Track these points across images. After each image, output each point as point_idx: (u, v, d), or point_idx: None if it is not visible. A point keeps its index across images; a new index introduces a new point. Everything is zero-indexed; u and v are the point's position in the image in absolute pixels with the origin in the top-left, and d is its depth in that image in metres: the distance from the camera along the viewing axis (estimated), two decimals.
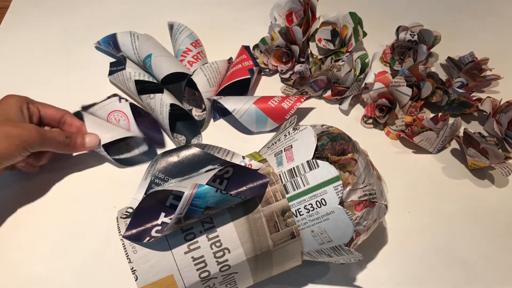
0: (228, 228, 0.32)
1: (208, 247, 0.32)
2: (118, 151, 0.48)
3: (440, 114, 0.49)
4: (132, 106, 0.49)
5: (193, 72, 0.52)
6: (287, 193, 0.33)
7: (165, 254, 0.31)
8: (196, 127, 0.51)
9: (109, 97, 0.49)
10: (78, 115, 0.47)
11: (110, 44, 0.56)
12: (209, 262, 0.32)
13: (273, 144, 0.38)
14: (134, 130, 0.48)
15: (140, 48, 0.53)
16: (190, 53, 0.54)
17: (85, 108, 0.49)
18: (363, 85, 0.52)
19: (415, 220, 0.45)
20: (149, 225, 0.32)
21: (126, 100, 0.48)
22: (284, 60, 0.57)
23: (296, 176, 0.33)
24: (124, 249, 0.31)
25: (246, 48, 0.57)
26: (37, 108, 0.44)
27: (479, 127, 0.53)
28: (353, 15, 0.56)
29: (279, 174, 0.34)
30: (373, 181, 0.35)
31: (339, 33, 0.56)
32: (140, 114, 0.50)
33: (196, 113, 0.52)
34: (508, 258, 0.42)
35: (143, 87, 0.51)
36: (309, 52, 0.57)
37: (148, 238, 0.31)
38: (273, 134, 0.51)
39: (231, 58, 0.57)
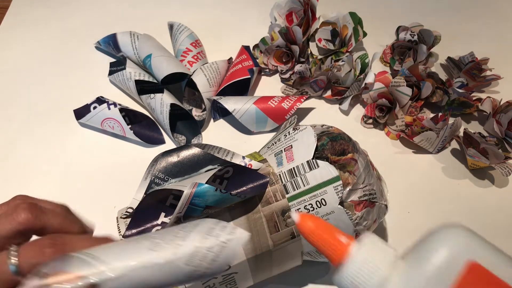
0: None
1: None
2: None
3: (440, 114, 0.49)
4: (127, 110, 0.49)
5: (193, 72, 0.52)
6: (287, 193, 0.33)
7: None
8: (196, 127, 0.51)
9: (95, 101, 0.49)
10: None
11: (110, 44, 0.56)
12: None
13: (273, 144, 0.38)
14: (129, 135, 0.48)
15: (140, 48, 0.53)
16: (190, 53, 0.54)
17: (79, 117, 0.49)
18: (363, 85, 0.52)
19: (415, 220, 0.45)
20: (149, 225, 0.32)
21: (115, 106, 0.48)
22: (284, 60, 0.56)
23: (296, 176, 0.33)
24: None
25: (246, 48, 0.57)
26: None
27: (479, 127, 0.53)
28: (353, 15, 0.56)
29: (279, 174, 0.34)
30: (373, 181, 0.35)
31: (339, 33, 0.56)
32: (135, 116, 0.50)
33: (196, 113, 0.52)
34: None
35: (143, 87, 0.51)
36: (309, 52, 0.57)
37: None
38: (273, 134, 0.51)
39: (231, 58, 0.57)
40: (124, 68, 0.51)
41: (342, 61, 0.53)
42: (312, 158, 0.33)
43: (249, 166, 0.34)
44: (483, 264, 0.18)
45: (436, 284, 0.18)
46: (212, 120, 0.53)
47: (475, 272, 0.18)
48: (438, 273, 0.18)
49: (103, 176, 0.47)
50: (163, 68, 0.50)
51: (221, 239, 0.21)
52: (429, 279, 0.18)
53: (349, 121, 0.53)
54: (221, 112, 0.53)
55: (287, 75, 0.56)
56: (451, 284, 0.18)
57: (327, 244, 0.21)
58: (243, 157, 0.35)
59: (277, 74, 0.58)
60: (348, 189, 0.33)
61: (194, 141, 0.50)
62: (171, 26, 0.58)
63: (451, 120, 0.50)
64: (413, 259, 0.20)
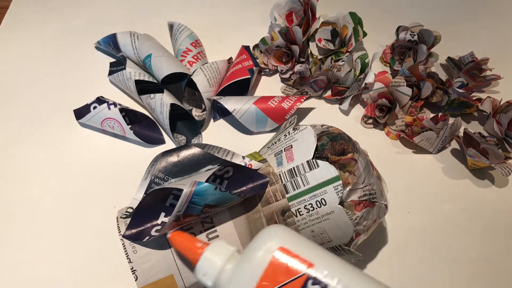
0: (228, 228, 0.32)
1: None
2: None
3: (440, 114, 0.49)
4: (127, 110, 0.49)
5: (193, 72, 0.52)
6: (287, 193, 0.33)
7: (165, 254, 0.31)
8: (196, 127, 0.51)
9: (95, 101, 0.49)
10: None
11: (110, 44, 0.56)
12: None
13: (273, 144, 0.38)
14: (129, 135, 0.48)
15: (140, 48, 0.53)
16: (190, 53, 0.54)
17: (79, 117, 0.49)
18: (363, 85, 0.52)
19: (415, 220, 0.45)
20: (149, 225, 0.32)
21: (115, 106, 0.48)
22: (284, 60, 0.56)
23: (296, 176, 0.33)
24: (124, 249, 0.31)
25: (246, 48, 0.57)
26: None
27: (479, 127, 0.53)
28: (353, 15, 0.56)
29: (279, 174, 0.34)
30: (373, 181, 0.35)
31: (339, 33, 0.56)
32: (135, 116, 0.50)
33: (196, 113, 0.52)
34: (508, 258, 0.42)
35: (143, 87, 0.51)
36: (309, 52, 0.57)
37: (147, 238, 0.31)
38: (273, 134, 0.51)
39: (231, 58, 0.57)
40: (124, 68, 0.51)
41: (342, 61, 0.53)
42: (312, 158, 0.33)
43: (249, 166, 0.34)
44: (288, 248, 0.25)
45: (255, 266, 0.25)
46: (212, 120, 0.53)
47: (283, 253, 0.25)
48: (257, 257, 0.25)
49: (103, 176, 0.47)
50: (163, 68, 0.50)
51: None
52: (251, 262, 0.25)
53: (349, 121, 0.53)
54: (221, 112, 0.53)
55: (287, 75, 0.56)
56: (267, 263, 0.25)
57: (187, 249, 0.29)
58: (243, 157, 0.35)
59: (277, 74, 0.58)
60: (348, 189, 0.33)
61: (194, 141, 0.50)
62: (171, 26, 0.58)
63: (451, 120, 0.50)
64: (245, 252, 0.27)
